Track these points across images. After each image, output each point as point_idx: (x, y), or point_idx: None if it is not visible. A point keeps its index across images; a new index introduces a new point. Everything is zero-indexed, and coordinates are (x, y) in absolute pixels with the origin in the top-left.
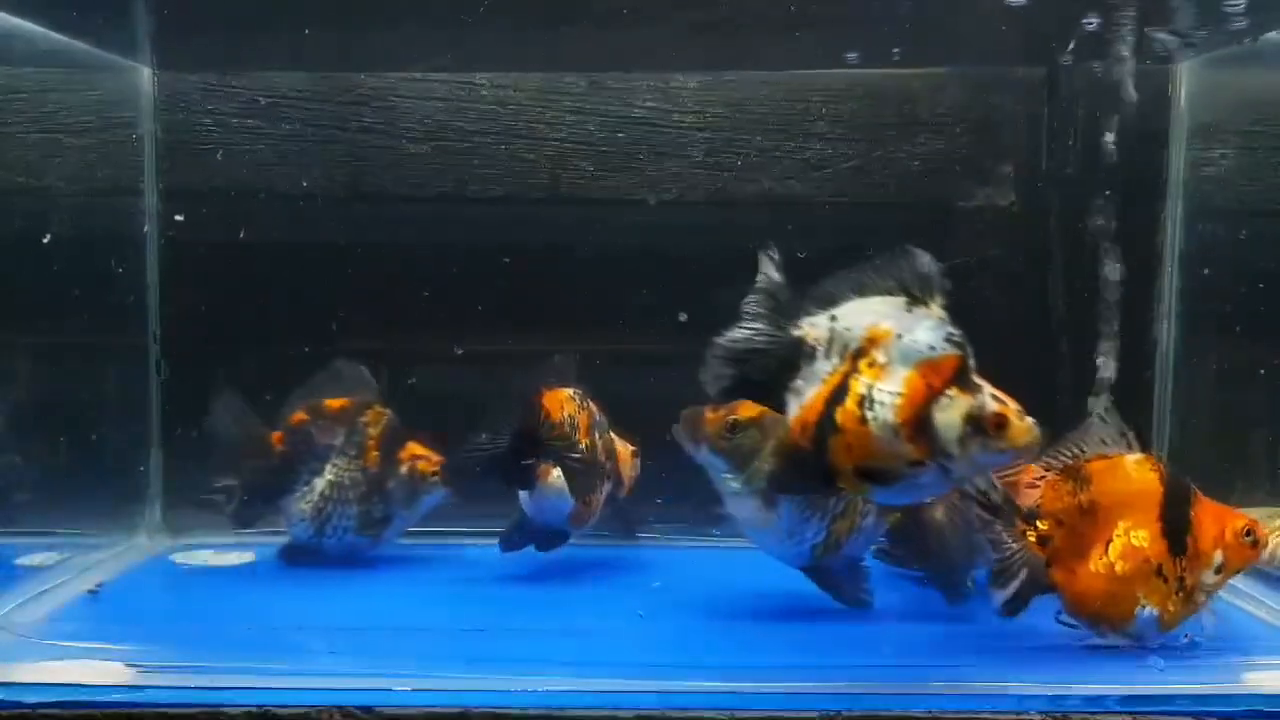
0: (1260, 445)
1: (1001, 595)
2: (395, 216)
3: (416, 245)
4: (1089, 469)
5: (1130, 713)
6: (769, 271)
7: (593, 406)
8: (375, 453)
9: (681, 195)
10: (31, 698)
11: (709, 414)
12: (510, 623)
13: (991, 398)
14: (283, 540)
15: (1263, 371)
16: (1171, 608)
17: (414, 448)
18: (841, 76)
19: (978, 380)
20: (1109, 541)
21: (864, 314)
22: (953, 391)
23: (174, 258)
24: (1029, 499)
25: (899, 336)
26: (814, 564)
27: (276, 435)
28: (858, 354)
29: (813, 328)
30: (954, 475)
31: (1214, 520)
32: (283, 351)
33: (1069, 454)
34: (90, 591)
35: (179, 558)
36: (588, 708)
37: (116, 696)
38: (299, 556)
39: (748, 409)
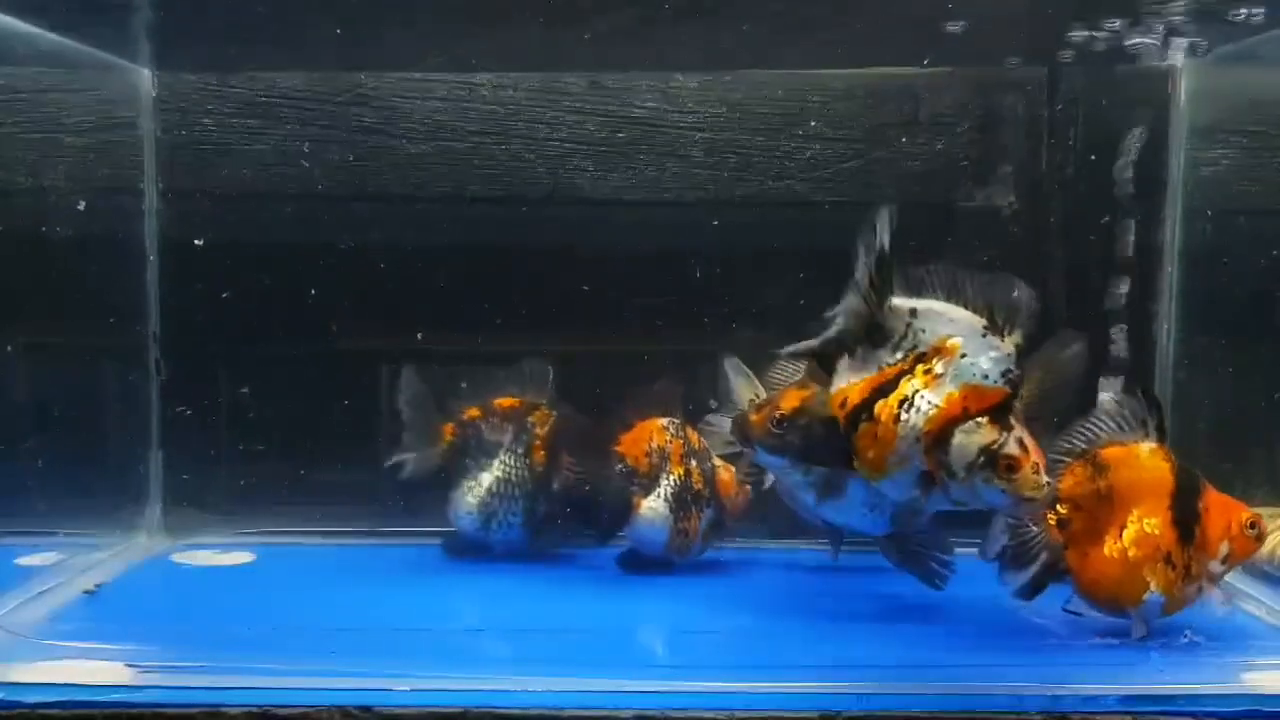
0: (1260, 445)
1: (1019, 578)
2: (395, 216)
3: (416, 245)
4: (1105, 456)
5: (1130, 713)
6: (882, 239)
7: (691, 434)
8: (542, 452)
9: (681, 195)
10: (31, 698)
11: (753, 415)
12: (510, 623)
13: (1016, 441)
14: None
15: (1263, 371)
16: (1175, 593)
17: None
18: (841, 76)
19: (1013, 421)
20: (1123, 527)
21: (941, 322)
22: (983, 421)
23: (174, 258)
24: None
25: (962, 355)
26: (897, 530)
27: (449, 426)
28: (920, 358)
29: (894, 316)
30: (952, 496)
31: (1221, 512)
32: (282, 351)
33: (1083, 437)
34: (88, 591)
35: (179, 558)
36: (588, 708)
37: (116, 696)
38: (464, 550)
39: (789, 400)
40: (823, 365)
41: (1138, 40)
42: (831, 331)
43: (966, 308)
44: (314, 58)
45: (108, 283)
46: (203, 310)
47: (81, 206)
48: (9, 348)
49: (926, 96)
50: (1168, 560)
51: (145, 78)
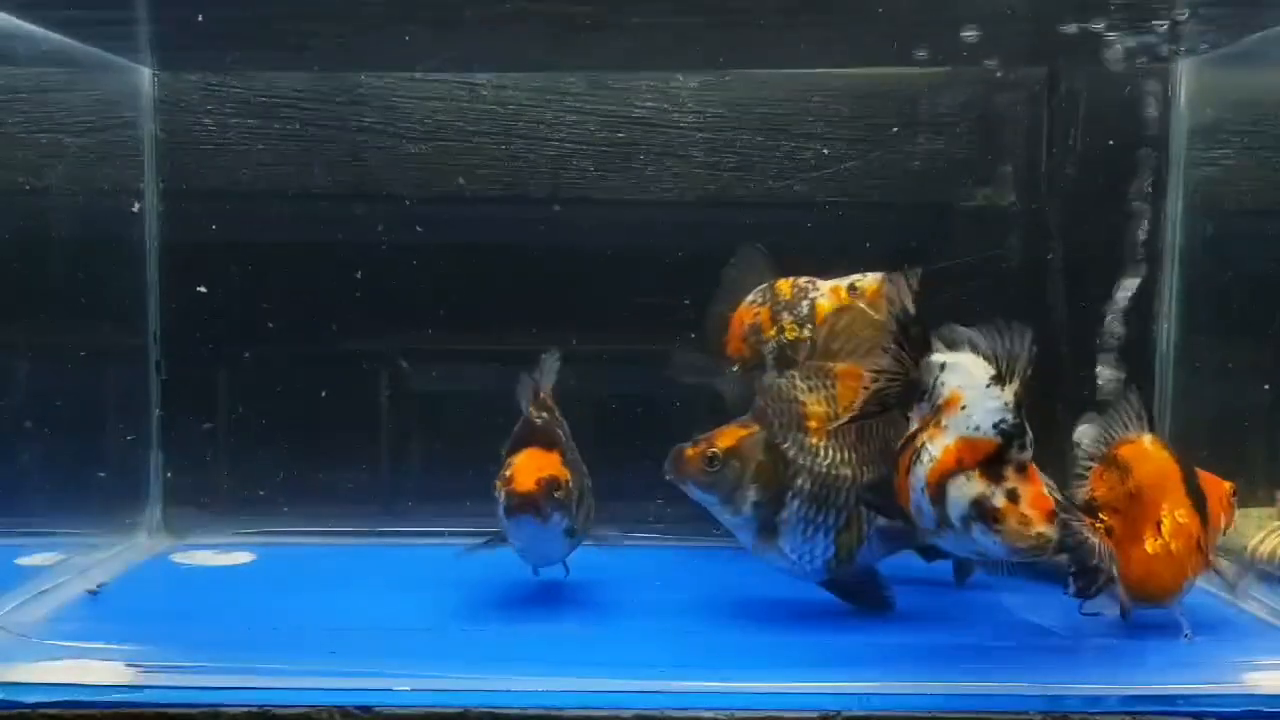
0: (1260, 445)
1: (1117, 603)
2: (395, 216)
3: (416, 245)
4: (1123, 455)
5: (1130, 713)
6: (905, 301)
7: (782, 286)
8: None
9: (681, 195)
10: (31, 698)
11: (689, 450)
12: (510, 623)
13: (1006, 493)
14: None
15: (1263, 371)
16: (1199, 576)
17: (520, 458)
18: (841, 76)
19: (1008, 473)
20: (1158, 523)
21: (958, 375)
22: (974, 474)
23: (174, 258)
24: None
25: (964, 407)
26: (831, 578)
27: None
28: (936, 411)
29: (927, 371)
30: (965, 545)
31: (1212, 488)
32: (282, 351)
33: (1102, 439)
34: (90, 591)
35: (179, 558)
36: (588, 708)
37: (116, 696)
38: None
39: (725, 439)
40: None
41: (1138, 40)
42: (866, 396)
43: (986, 359)
44: (314, 58)
45: (108, 283)
46: (203, 310)
47: (80, 208)
48: (10, 348)
49: (926, 96)
50: (1199, 547)
51: (145, 78)
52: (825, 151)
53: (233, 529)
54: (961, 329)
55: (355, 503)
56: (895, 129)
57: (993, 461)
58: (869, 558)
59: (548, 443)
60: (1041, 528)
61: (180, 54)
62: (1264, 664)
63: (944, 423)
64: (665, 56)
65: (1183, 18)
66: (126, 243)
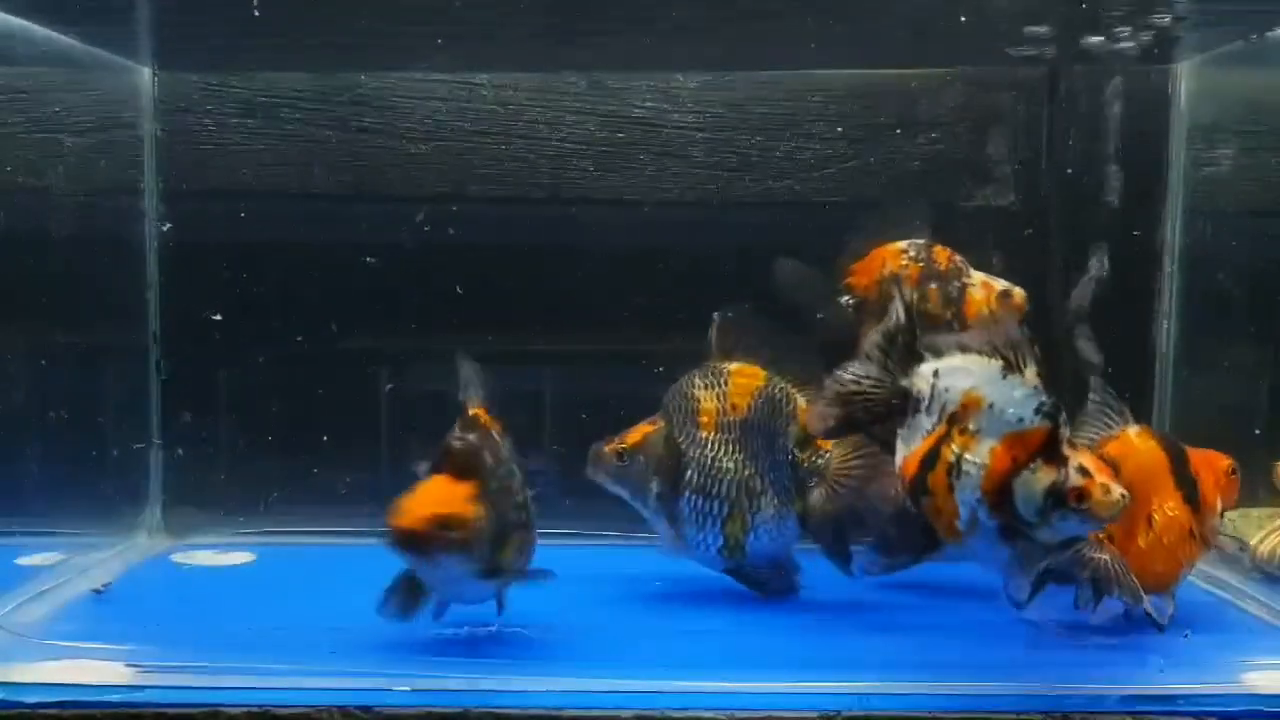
0: (1260, 445)
1: (1157, 607)
2: (395, 216)
3: (417, 245)
4: (1111, 453)
5: (1130, 713)
6: (899, 312)
7: (940, 253)
8: None
9: (681, 195)
10: (31, 698)
11: (605, 448)
12: (510, 623)
13: (1077, 470)
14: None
15: (1263, 371)
16: (1195, 560)
17: (421, 486)
18: (841, 76)
19: (1066, 451)
20: (1149, 518)
21: (962, 376)
22: (1036, 465)
23: (174, 258)
24: None
25: (991, 406)
26: (732, 567)
27: None
28: (953, 419)
29: (919, 379)
30: (1040, 540)
31: (1207, 469)
32: (282, 351)
33: (1088, 444)
34: (95, 591)
35: (179, 558)
36: (588, 708)
37: (116, 696)
38: None
39: (634, 435)
40: (871, 436)
41: (1138, 41)
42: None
43: (983, 354)
44: (314, 58)
45: (108, 283)
46: (203, 310)
47: (80, 208)
48: (9, 348)
49: (926, 96)
50: (1191, 535)
51: (145, 78)
52: (838, 150)
53: (233, 529)
54: (943, 337)
55: (355, 503)
56: (896, 129)
57: (1049, 445)
58: (765, 547)
59: (462, 470)
60: (1121, 487)
61: (180, 54)
62: (1264, 664)
63: (972, 427)
64: (665, 56)
65: (1183, 18)
66: (126, 243)
